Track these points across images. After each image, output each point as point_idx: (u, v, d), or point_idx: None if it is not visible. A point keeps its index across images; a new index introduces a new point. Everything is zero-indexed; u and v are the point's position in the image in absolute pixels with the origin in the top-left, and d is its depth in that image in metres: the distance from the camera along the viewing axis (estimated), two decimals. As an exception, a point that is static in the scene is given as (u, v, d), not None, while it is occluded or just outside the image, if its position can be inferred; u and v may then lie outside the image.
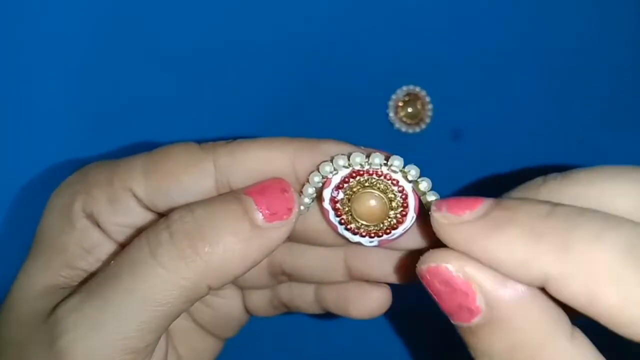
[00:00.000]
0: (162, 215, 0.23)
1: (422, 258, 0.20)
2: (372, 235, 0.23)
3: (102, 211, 0.23)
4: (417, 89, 0.37)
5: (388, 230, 0.23)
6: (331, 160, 0.22)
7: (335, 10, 0.36)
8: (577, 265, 0.17)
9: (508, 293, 0.18)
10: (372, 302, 0.26)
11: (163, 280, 0.20)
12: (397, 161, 0.22)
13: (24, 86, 0.33)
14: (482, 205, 0.19)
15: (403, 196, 0.22)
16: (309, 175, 0.23)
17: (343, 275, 0.27)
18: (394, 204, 0.22)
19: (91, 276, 0.23)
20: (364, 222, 0.23)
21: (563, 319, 0.19)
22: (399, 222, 0.23)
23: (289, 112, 0.36)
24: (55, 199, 0.24)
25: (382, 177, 0.22)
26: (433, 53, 0.36)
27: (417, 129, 0.37)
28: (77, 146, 0.34)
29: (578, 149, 0.38)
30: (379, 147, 0.38)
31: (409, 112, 0.36)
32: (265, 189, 0.22)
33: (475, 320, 0.19)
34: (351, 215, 0.23)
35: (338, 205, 0.23)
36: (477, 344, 0.19)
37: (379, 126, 0.37)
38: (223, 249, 0.21)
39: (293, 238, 0.25)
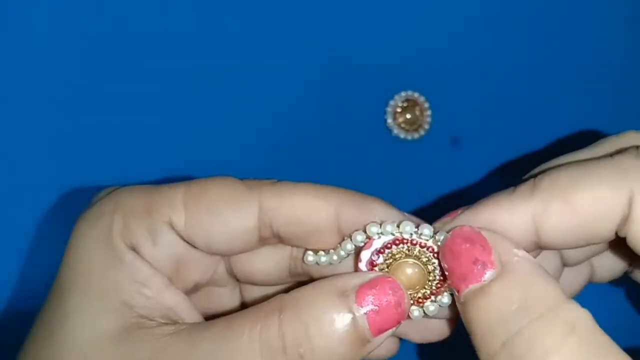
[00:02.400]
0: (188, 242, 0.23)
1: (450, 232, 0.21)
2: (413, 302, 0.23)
3: (141, 243, 0.22)
4: (416, 94, 0.36)
5: (420, 300, 0.23)
6: (380, 224, 0.22)
7: (333, 17, 0.35)
8: (547, 191, 0.20)
9: (520, 253, 0.20)
10: (380, 348, 0.26)
11: None
12: (443, 237, 0.22)
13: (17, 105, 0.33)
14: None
15: (442, 270, 0.22)
16: (352, 233, 0.22)
17: None
18: (431, 276, 0.22)
19: (153, 313, 0.22)
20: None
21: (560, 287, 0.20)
22: (432, 293, 0.23)
23: (288, 117, 0.36)
24: (86, 228, 0.23)
25: (424, 249, 0.22)
26: (432, 59, 0.36)
27: (416, 135, 0.37)
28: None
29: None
30: (377, 154, 0.38)
31: (408, 119, 0.36)
32: (380, 299, 0.21)
33: (488, 275, 0.20)
34: None
35: (376, 269, 0.22)
36: (489, 304, 0.19)
37: (377, 132, 0.37)
38: None
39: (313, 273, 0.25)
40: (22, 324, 0.23)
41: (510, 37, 0.37)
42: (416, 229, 0.22)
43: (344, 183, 0.36)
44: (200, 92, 0.35)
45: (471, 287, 0.20)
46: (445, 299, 0.22)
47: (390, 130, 0.37)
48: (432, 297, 0.22)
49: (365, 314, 0.20)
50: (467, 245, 0.20)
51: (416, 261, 0.22)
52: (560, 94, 0.38)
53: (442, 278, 0.22)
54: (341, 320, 0.20)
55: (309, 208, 0.22)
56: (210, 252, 0.23)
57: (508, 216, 0.21)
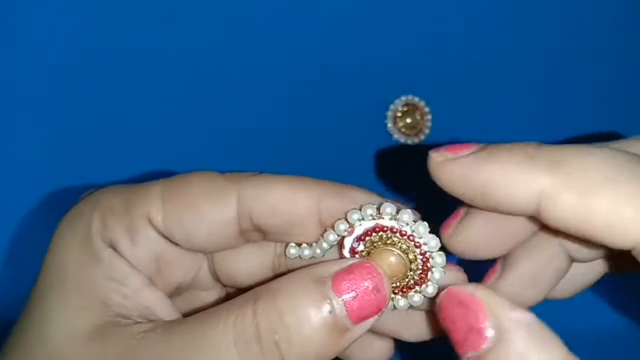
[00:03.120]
0: (167, 239, 0.22)
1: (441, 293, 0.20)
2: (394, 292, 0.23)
3: (120, 241, 0.22)
4: (416, 99, 0.36)
5: (404, 290, 0.22)
6: (359, 209, 0.22)
7: (334, 21, 0.35)
8: (569, 176, 0.18)
9: (517, 315, 0.18)
10: (374, 352, 0.25)
11: None
12: (421, 227, 0.21)
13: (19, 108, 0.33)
14: (476, 145, 0.21)
15: (424, 259, 0.22)
16: (334, 222, 0.22)
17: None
18: (413, 265, 0.22)
19: (130, 312, 0.21)
20: None
21: (562, 345, 0.19)
22: (416, 284, 0.22)
23: (288, 121, 0.36)
24: (66, 229, 0.22)
25: (405, 237, 0.22)
26: (432, 63, 0.36)
27: (416, 140, 0.37)
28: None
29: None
30: (377, 158, 0.38)
31: (408, 123, 0.36)
32: (357, 286, 0.20)
33: (484, 344, 0.18)
34: None
35: (357, 256, 0.22)
36: None
37: (377, 137, 0.36)
38: (312, 357, 0.20)
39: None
40: (2, 332, 0.23)
41: (511, 41, 0.37)
42: (396, 213, 0.21)
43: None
44: (200, 94, 0.35)
45: (470, 353, 0.19)
46: (430, 289, 0.22)
47: (390, 135, 0.36)
48: (417, 287, 0.22)
49: (342, 300, 0.20)
50: (462, 310, 0.19)
51: (397, 249, 0.22)
52: (560, 99, 0.38)
53: (424, 267, 0.22)
54: (317, 308, 0.20)
55: (288, 198, 0.22)
56: (191, 248, 0.23)
57: (519, 182, 0.19)
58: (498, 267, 0.24)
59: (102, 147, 0.34)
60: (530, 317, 0.18)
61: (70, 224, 0.23)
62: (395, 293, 0.23)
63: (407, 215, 0.22)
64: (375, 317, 0.21)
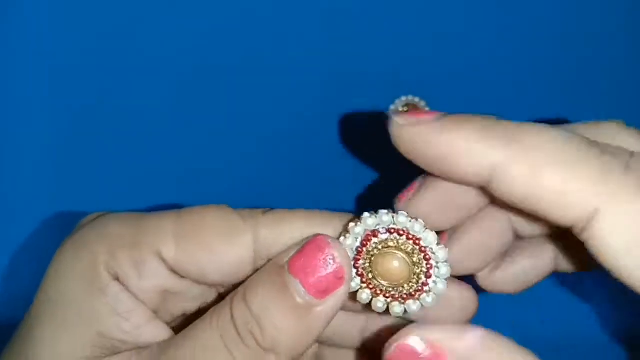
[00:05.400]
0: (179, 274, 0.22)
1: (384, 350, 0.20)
2: (387, 295, 0.22)
3: (127, 275, 0.22)
4: (416, 99, 0.36)
5: (405, 297, 0.22)
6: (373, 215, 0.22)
7: (334, 23, 0.36)
8: (522, 150, 0.19)
9: (469, 338, 0.19)
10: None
11: None
12: (426, 234, 0.21)
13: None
14: (438, 113, 0.21)
15: (428, 265, 0.22)
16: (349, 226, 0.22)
17: (354, 344, 0.26)
18: (417, 269, 0.22)
19: (126, 347, 0.22)
20: (383, 282, 0.22)
21: (518, 347, 0.19)
22: (419, 291, 0.22)
23: (288, 123, 0.36)
24: (70, 256, 0.22)
25: (407, 238, 0.22)
26: (432, 63, 0.36)
27: (416, 140, 0.36)
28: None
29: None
30: (377, 158, 0.38)
31: (408, 123, 0.36)
32: (309, 263, 0.21)
33: None
34: (371, 274, 0.22)
35: (360, 262, 0.22)
36: None
37: (377, 137, 0.36)
38: (286, 338, 0.20)
39: None
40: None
41: (510, 42, 0.37)
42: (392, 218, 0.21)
43: (344, 187, 0.36)
44: (200, 96, 0.35)
45: None
46: (429, 298, 0.22)
47: (390, 135, 0.36)
48: (417, 295, 0.22)
49: (298, 279, 0.20)
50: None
51: (401, 253, 0.22)
52: (560, 100, 0.38)
53: (427, 275, 0.22)
54: (278, 293, 0.20)
55: (306, 236, 0.22)
56: (204, 284, 0.23)
57: (474, 153, 0.20)
58: (446, 235, 0.24)
59: (101, 147, 0.34)
60: (480, 331, 0.19)
61: (74, 251, 0.22)
62: (404, 298, 0.22)
63: (419, 225, 0.21)
64: (341, 288, 0.21)
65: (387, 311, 0.22)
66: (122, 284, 0.22)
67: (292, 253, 0.21)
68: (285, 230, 0.22)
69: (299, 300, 0.20)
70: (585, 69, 0.38)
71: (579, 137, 0.20)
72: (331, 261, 0.21)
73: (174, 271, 0.22)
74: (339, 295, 0.21)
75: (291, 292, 0.20)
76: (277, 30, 0.35)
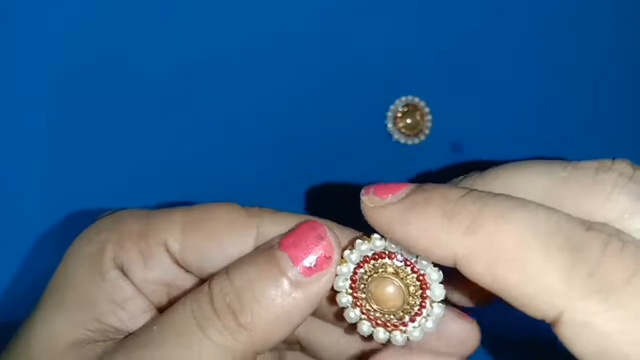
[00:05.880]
0: (187, 271, 0.23)
1: None
2: (379, 323, 0.22)
3: (132, 264, 0.22)
4: (416, 99, 0.36)
5: (406, 324, 0.22)
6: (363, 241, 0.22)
7: (333, 22, 0.35)
8: (481, 247, 0.18)
9: None
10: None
11: (212, 352, 0.20)
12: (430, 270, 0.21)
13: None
14: (405, 189, 0.20)
15: (423, 295, 0.21)
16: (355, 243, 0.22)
17: None
18: (411, 298, 0.22)
19: (119, 335, 0.22)
20: (378, 307, 0.22)
21: None
22: (417, 315, 0.22)
23: (288, 122, 0.35)
24: (81, 244, 0.23)
25: (409, 267, 0.22)
26: (432, 63, 0.36)
27: (417, 141, 0.36)
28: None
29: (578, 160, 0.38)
30: (377, 159, 0.38)
31: (408, 123, 0.36)
32: (300, 239, 0.21)
33: None
34: (365, 299, 0.22)
35: (357, 280, 0.22)
36: None
37: (377, 137, 0.36)
38: (265, 316, 0.20)
39: (318, 315, 0.24)
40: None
41: (511, 41, 0.37)
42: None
43: (344, 188, 0.36)
44: (200, 97, 0.35)
45: None
46: (430, 323, 0.22)
47: (390, 135, 0.36)
48: (416, 319, 0.22)
49: (287, 254, 0.21)
50: None
51: (396, 279, 0.22)
52: (560, 99, 0.37)
53: (422, 304, 0.22)
54: (265, 264, 0.20)
55: None
56: (204, 277, 0.23)
57: (435, 243, 0.19)
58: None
59: (102, 146, 0.34)
60: None
61: (86, 240, 0.23)
62: (398, 325, 0.22)
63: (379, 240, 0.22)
64: (327, 269, 0.21)
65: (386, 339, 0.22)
66: (125, 273, 0.22)
67: (282, 234, 0.22)
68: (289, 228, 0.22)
69: (288, 274, 0.20)
70: (585, 68, 0.38)
71: (547, 217, 0.18)
72: (322, 241, 0.21)
73: (179, 264, 0.23)
74: (324, 281, 0.21)
75: (279, 265, 0.20)
76: (277, 30, 0.35)
